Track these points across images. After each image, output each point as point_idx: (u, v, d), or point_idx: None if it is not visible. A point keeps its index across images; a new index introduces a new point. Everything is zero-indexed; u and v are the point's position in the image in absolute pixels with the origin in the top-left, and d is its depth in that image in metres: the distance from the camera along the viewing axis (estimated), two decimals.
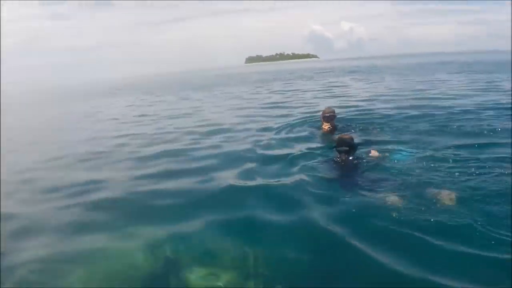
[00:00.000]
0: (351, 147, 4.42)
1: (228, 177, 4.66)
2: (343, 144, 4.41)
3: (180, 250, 3.09)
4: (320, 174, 4.36)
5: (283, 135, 6.81)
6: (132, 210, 4.10)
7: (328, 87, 17.26)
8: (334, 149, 4.53)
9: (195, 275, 2.72)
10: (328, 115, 6.25)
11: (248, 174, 4.74)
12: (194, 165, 5.48)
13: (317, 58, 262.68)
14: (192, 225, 3.50)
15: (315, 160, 4.90)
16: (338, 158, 4.44)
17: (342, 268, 2.70)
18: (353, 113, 8.51)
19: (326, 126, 6.23)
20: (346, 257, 2.79)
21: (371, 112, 8.56)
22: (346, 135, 4.67)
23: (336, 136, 6.07)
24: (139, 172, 5.36)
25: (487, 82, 14.02)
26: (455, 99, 9.90)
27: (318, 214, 3.42)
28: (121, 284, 2.80)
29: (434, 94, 11.38)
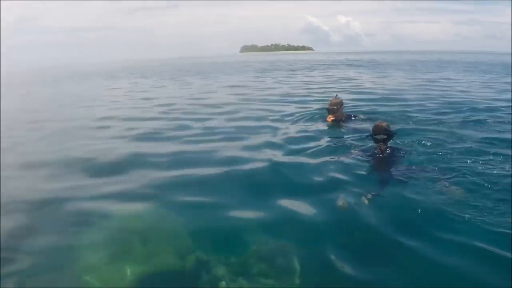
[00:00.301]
0: (389, 134, 4.10)
1: (249, 172, 4.42)
2: (380, 131, 4.07)
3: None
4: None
5: (294, 126, 6.55)
6: None
7: (333, 80, 16.84)
8: (370, 138, 4.21)
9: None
10: (330, 107, 6.20)
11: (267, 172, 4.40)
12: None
13: (312, 51, 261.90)
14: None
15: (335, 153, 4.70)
16: (377, 149, 4.14)
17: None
18: (362, 105, 8.39)
19: (329, 118, 6.23)
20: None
21: (381, 105, 8.44)
22: (382, 122, 4.22)
23: (347, 126, 6.07)
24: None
25: (501, 82, 13.98)
26: (469, 95, 9.89)
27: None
28: None
29: (445, 90, 11.26)
